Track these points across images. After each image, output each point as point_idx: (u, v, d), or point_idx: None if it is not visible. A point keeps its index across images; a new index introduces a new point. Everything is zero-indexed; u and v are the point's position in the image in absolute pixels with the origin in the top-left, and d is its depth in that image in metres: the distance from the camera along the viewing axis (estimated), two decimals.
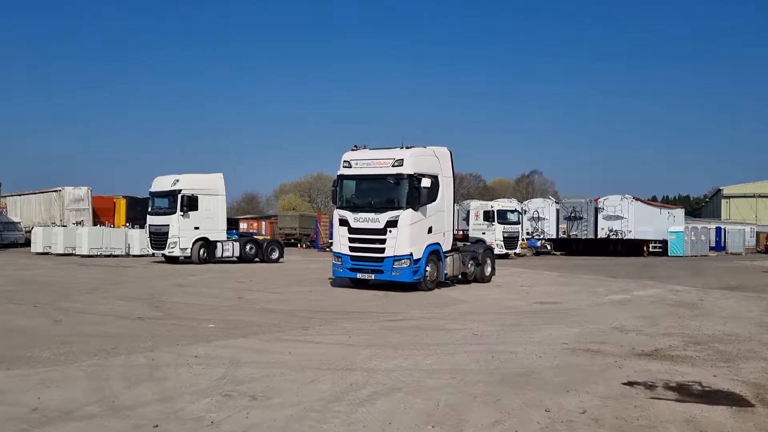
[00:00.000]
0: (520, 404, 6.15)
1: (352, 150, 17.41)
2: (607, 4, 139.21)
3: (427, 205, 16.62)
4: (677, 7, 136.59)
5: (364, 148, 17.44)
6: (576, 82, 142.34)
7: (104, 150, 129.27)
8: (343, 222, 16.88)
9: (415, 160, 16.55)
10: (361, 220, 16.58)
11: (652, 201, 60.39)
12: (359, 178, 17.15)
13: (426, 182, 16.32)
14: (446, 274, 17.70)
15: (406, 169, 16.23)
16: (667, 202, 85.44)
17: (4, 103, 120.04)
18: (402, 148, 16.85)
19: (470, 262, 19.13)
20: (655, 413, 5.93)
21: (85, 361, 7.80)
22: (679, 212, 52.16)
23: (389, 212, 16.21)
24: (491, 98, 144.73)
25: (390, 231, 16.14)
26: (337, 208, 17.27)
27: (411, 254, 16.15)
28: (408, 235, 16.09)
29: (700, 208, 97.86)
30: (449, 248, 18.10)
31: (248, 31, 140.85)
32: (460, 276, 18.86)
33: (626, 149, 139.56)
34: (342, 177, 17.25)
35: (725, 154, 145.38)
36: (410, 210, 16.17)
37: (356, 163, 17.02)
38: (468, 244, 20.81)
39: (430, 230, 16.89)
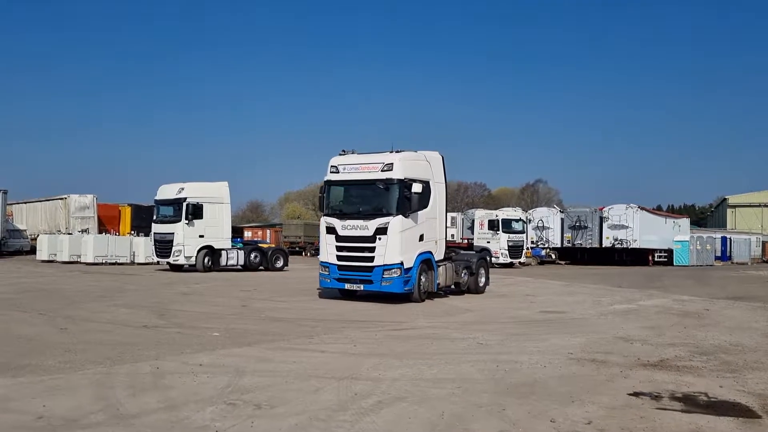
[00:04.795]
0: (525, 414, 6.14)
1: (340, 155, 16.76)
2: (611, 11, 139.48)
3: (419, 212, 15.98)
4: (683, 14, 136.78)
5: (352, 152, 16.81)
6: (581, 91, 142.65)
7: (109, 158, 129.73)
8: (331, 229, 16.18)
9: (405, 165, 15.91)
10: (349, 227, 15.85)
11: (657, 210, 60.28)
12: (347, 184, 16.47)
13: (417, 188, 15.68)
14: (438, 284, 16.97)
15: (396, 174, 15.60)
16: (673, 212, 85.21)
17: (10, 111, 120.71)
18: (392, 152, 16.18)
19: (464, 271, 18.38)
20: (661, 424, 5.91)
21: (90, 369, 7.81)
22: (685, 221, 52.00)
23: (378, 219, 15.54)
24: (496, 106, 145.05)
25: (379, 239, 15.45)
26: (324, 215, 16.59)
27: (401, 263, 15.45)
28: (398, 243, 15.41)
29: (705, 217, 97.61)
30: (442, 257, 17.39)
31: (253, 39, 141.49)
32: (452, 286, 18.18)
33: (631, 158, 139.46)
34: (329, 183, 16.60)
35: (731, 164, 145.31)
36: (400, 217, 15.48)
37: (344, 168, 16.35)
38: (462, 252, 20.10)
39: (421, 238, 16.20)
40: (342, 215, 16.17)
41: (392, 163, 15.69)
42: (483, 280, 19.40)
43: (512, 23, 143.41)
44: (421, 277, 16.10)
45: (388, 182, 15.59)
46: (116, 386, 6.98)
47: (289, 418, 5.91)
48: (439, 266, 16.94)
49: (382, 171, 15.72)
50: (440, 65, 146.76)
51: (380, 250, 15.44)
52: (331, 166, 16.54)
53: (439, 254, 17.12)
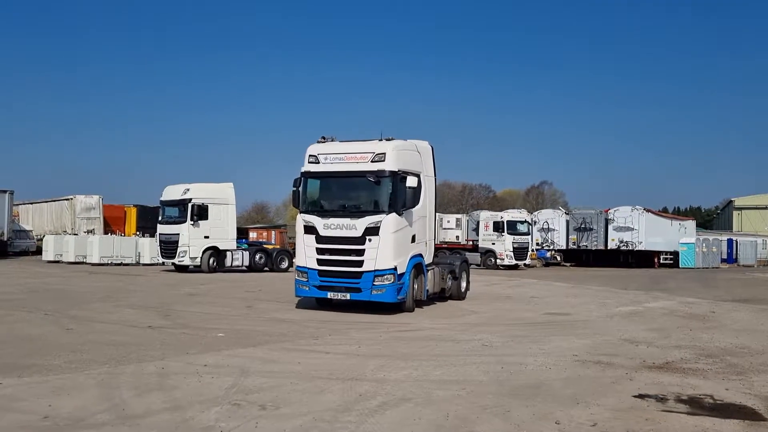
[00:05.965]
0: (530, 416, 6.13)
1: (319, 142, 14.63)
2: (618, 14, 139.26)
3: (412, 210, 14.21)
4: (689, 17, 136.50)
5: (332, 140, 14.76)
6: (586, 93, 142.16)
7: (115, 159, 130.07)
8: (310, 229, 14.06)
9: (398, 155, 14.01)
10: (332, 226, 13.78)
11: (663, 212, 60.10)
12: (330, 176, 14.33)
13: (412, 181, 13.86)
14: (427, 290, 15.17)
15: (389, 165, 13.68)
16: (678, 214, 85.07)
17: (16, 112, 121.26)
18: (381, 140, 14.23)
19: (448, 276, 16.66)
20: (666, 426, 5.89)
21: (95, 369, 7.84)
22: (690, 224, 51.84)
23: (368, 217, 13.57)
24: (501, 108, 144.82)
25: (370, 240, 13.48)
26: (301, 212, 14.40)
27: (395, 269, 13.59)
28: (392, 245, 13.55)
29: (711, 219, 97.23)
30: (431, 260, 15.68)
31: (258, 40, 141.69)
32: (438, 292, 16.23)
33: (637, 160, 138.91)
34: (307, 175, 14.38)
35: (737, 166, 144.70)
36: (394, 215, 13.58)
37: (326, 158, 14.19)
38: (443, 255, 18.34)
39: (413, 239, 14.40)
40: (324, 213, 14.14)
41: (384, 153, 13.79)
42: (464, 284, 17.74)
43: (517, 25, 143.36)
44: (414, 284, 14.46)
45: (380, 174, 13.66)
46: (121, 386, 7.00)
47: (293, 418, 5.91)
48: (428, 271, 15.28)
49: (372, 162, 13.79)
50: (444, 67, 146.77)
51: (370, 253, 13.53)
52: (310, 156, 14.40)
53: (428, 257, 15.53)
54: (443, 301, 16.70)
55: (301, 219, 14.35)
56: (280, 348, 9.72)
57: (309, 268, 14.13)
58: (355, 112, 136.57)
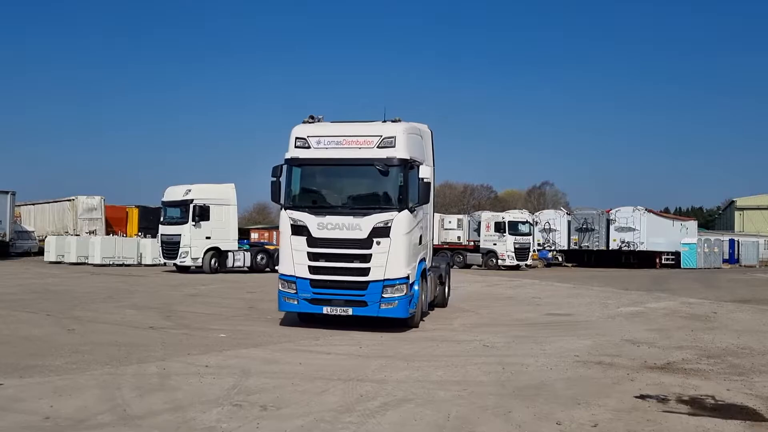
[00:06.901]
0: (531, 417, 6.13)
1: (307, 122, 11.99)
2: (620, 16, 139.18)
3: (423, 206, 12.14)
4: (690, 18, 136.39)
5: (319, 120, 12.18)
6: (588, 94, 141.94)
7: (117, 160, 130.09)
8: (299, 229, 11.46)
9: (408, 140, 11.63)
10: (329, 226, 11.27)
11: (665, 213, 60.04)
12: (325, 164, 11.71)
13: (425, 171, 11.64)
14: (428, 299, 13.31)
15: (400, 152, 11.28)
16: (680, 214, 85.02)
17: (18, 112, 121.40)
18: (385, 121, 11.90)
19: (437, 281, 14.95)
20: (668, 427, 5.89)
21: (97, 369, 7.85)
22: (692, 224, 51.80)
23: (376, 215, 11.19)
24: (502, 108, 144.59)
25: (378, 243, 11.14)
26: (286, 208, 11.69)
27: (407, 277, 11.31)
28: (404, 249, 11.28)
29: (713, 220, 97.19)
30: (430, 264, 13.75)
31: (257, 41, 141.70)
32: (431, 300, 14.11)
33: (638, 161, 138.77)
34: (294, 162, 11.67)
35: (739, 166, 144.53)
36: (406, 212, 11.28)
37: (318, 142, 11.57)
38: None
39: (420, 240, 12.34)
40: (317, 209, 11.57)
41: (394, 137, 11.37)
42: (447, 290, 16.10)
43: (519, 26, 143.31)
44: (422, 294, 12.31)
45: (389, 163, 11.24)
46: (123, 387, 7.01)
47: (294, 419, 5.92)
48: (428, 276, 13.26)
49: (378, 147, 11.34)
50: (446, 66, 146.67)
51: (379, 258, 11.15)
52: (297, 138, 11.70)
53: (429, 261, 13.77)
54: (431, 309, 14.48)
55: (287, 217, 11.67)
56: (282, 348, 9.73)
57: (298, 277, 11.50)
58: (355, 112, 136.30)
